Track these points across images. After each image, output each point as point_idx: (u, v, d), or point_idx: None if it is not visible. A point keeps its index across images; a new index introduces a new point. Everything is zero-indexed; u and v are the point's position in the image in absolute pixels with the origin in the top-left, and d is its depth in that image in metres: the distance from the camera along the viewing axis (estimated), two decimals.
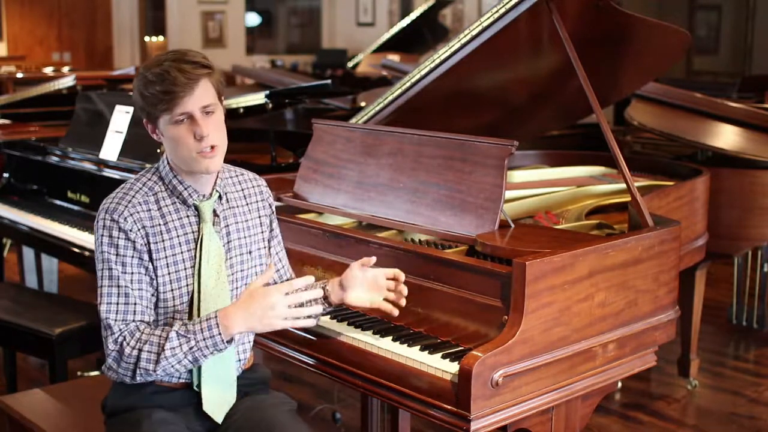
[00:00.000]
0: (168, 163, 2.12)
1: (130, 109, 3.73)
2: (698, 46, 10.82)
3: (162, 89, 1.97)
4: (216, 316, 1.97)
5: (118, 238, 2.03)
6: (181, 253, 2.08)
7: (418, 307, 2.33)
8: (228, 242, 2.14)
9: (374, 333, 2.29)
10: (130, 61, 12.14)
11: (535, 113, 3.66)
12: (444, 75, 2.95)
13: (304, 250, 2.65)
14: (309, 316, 2.07)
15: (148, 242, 2.05)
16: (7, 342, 3.32)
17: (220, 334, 1.96)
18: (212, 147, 2.04)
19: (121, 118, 3.79)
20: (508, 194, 2.83)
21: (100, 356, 3.15)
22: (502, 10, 2.71)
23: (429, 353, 2.15)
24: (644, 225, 2.48)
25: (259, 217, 2.25)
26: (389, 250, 2.43)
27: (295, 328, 2.09)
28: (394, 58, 8.59)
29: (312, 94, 4.52)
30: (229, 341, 1.98)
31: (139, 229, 2.04)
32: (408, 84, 3.04)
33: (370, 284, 2.20)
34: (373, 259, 2.21)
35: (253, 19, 13.72)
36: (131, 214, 2.04)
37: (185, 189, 2.10)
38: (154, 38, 12.72)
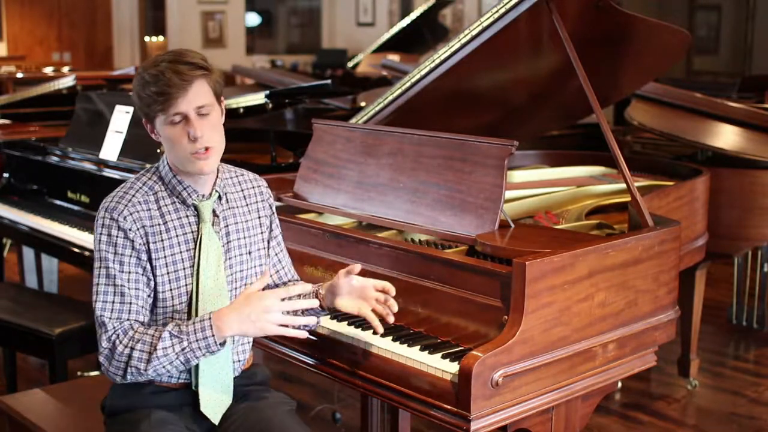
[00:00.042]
0: (168, 163, 2.12)
1: (130, 109, 3.73)
2: (698, 46, 10.82)
3: (156, 90, 1.98)
4: (210, 318, 1.97)
5: (117, 236, 2.03)
6: (180, 252, 2.08)
7: (418, 307, 2.33)
8: (227, 242, 2.14)
9: (374, 333, 2.29)
10: (130, 61, 12.14)
11: (535, 113, 3.66)
12: (444, 75, 2.94)
13: (304, 250, 2.65)
14: (302, 327, 2.07)
15: (148, 241, 2.05)
16: (7, 342, 3.32)
17: (213, 335, 1.95)
18: (207, 148, 2.03)
19: (121, 118, 3.79)
20: (508, 194, 2.83)
21: None
22: (502, 10, 2.71)
23: (429, 353, 2.15)
24: (644, 225, 2.48)
25: (259, 217, 2.24)
26: (389, 250, 2.43)
27: (287, 337, 2.07)
28: (394, 58, 8.59)
29: (312, 94, 4.52)
30: (222, 343, 1.97)
31: (138, 229, 2.04)
32: (408, 84, 3.04)
33: (357, 293, 2.14)
34: (358, 267, 2.15)
35: (253, 19, 13.72)
36: (131, 213, 2.05)
37: (185, 189, 2.10)
38: (154, 38, 12.72)
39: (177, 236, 2.08)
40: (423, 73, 2.97)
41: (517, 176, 3.46)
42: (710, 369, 4.31)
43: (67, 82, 5.22)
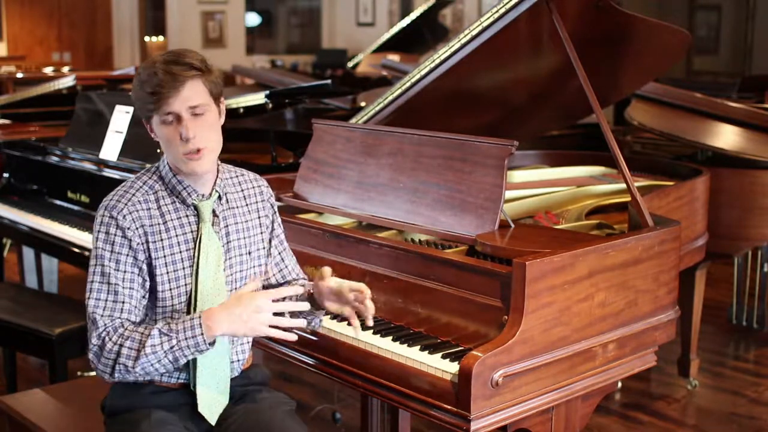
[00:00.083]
0: (168, 163, 2.12)
1: (130, 109, 3.73)
2: (698, 46, 10.82)
3: (149, 90, 1.99)
4: (200, 316, 1.96)
5: (115, 235, 2.03)
6: (180, 252, 2.08)
7: (418, 307, 2.33)
8: (227, 243, 2.14)
9: (374, 333, 2.29)
10: (130, 61, 12.14)
11: (535, 113, 3.66)
12: (444, 75, 2.95)
13: (304, 250, 2.65)
14: (292, 330, 2.06)
15: (147, 241, 2.05)
16: (7, 342, 3.33)
17: (202, 334, 1.94)
18: (198, 150, 2.03)
19: (121, 118, 3.79)
20: (508, 194, 2.83)
21: None
22: (502, 10, 2.71)
23: (429, 353, 2.15)
24: (644, 225, 2.48)
25: (259, 217, 2.24)
26: (389, 250, 2.42)
27: (275, 339, 2.06)
28: (394, 58, 8.59)
29: (312, 94, 4.52)
30: (212, 343, 1.97)
31: (137, 228, 2.04)
32: (408, 84, 3.04)
33: (336, 295, 2.15)
34: (327, 270, 2.15)
35: (253, 19, 13.71)
36: (130, 212, 2.05)
37: (184, 189, 2.10)
38: (154, 38, 12.73)
39: (177, 236, 2.08)
40: (423, 73, 2.97)
41: (517, 176, 3.46)
42: (710, 369, 4.31)
43: (67, 82, 5.22)
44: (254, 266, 2.21)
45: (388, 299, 2.41)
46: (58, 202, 4.03)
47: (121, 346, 1.96)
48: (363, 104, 5.21)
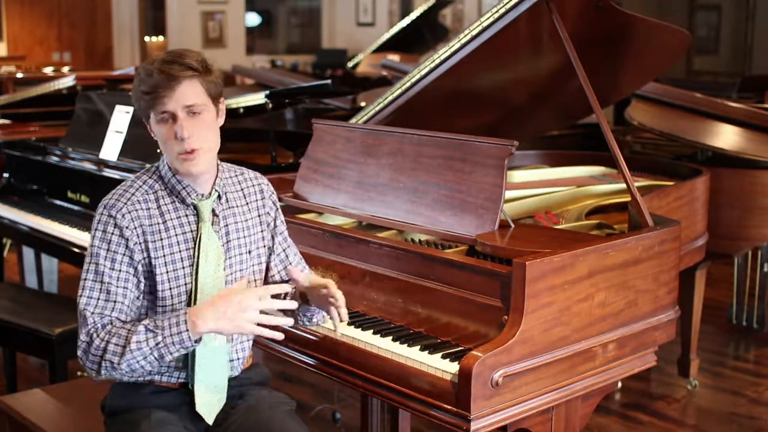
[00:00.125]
0: (167, 162, 2.12)
1: (130, 109, 3.73)
2: (698, 46, 10.82)
3: (145, 89, 2.00)
4: (185, 313, 1.95)
5: (112, 234, 2.03)
6: (180, 252, 2.08)
7: (418, 307, 2.33)
8: (227, 242, 2.14)
9: (374, 333, 2.29)
10: (130, 61, 12.14)
11: (535, 113, 3.66)
12: (444, 75, 2.95)
13: (304, 250, 2.65)
14: (278, 328, 2.05)
15: (146, 240, 2.05)
16: (7, 342, 3.33)
17: (187, 330, 1.93)
18: (193, 150, 2.02)
19: (121, 118, 3.79)
20: (508, 194, 2.83)
21: None
22: (502, 10, 2.71)
23: (429, 353, 2.15)
24: (644, 225, 2.48)
25: (259, 216, 2.24)
26: (389, 250, 2.43)
27: (266, 337, 2.06)
28: (394, 58, 8.59)
29: (312, 94, 4.52)
30: (197, 340, 1.96)
31: (135, 227, 2.04)
32: (408, 84, 3.04)
33: (312, 295, 2.17)
34: (293, 272, 2.15)
35: (253, 19, 13.72)
36: (129, 212, 2.05)
37: (184, 188, 2.10)
38: (154, 38, 12.72)
39: (176, 235, 2.08)
40: (423, 73, 2.97)
41: (517, 176, 3.46)
42: (710, 369, 4.31)
43: (67, 82, 5.23)
44: (254, 265, 2.21)
45: (388, 299, 2.41)
46: (58, 202, 4.03)
47: (107, 342, 1.95)
48: (363, 104, 5.21)
